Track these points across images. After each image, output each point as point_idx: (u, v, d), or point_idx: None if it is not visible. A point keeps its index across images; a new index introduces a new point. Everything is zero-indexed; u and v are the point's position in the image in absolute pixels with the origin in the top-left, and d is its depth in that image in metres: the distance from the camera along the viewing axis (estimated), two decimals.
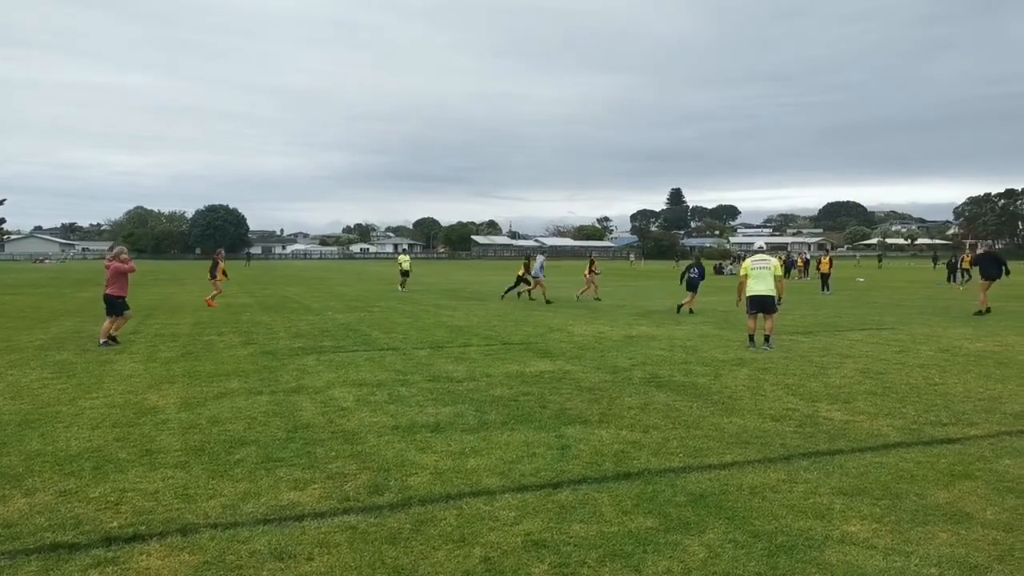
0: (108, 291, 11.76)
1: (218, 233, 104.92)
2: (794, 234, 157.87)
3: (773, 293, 11.44)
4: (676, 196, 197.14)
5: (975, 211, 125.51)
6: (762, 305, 11.47)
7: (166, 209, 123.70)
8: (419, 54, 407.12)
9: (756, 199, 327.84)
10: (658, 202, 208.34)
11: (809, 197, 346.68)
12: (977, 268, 18.52)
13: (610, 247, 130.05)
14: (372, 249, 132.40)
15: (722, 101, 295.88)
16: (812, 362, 10.14)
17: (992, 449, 5.74)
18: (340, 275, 43.93)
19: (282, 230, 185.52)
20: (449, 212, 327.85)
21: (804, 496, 4.62)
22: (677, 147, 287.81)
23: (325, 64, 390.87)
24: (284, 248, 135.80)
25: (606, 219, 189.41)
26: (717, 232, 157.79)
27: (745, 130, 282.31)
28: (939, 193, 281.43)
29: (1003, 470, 5.19)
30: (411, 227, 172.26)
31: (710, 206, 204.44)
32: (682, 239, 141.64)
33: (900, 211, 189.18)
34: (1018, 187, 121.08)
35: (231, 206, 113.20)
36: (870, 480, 4.95)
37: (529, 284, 22.39)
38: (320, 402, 7.41)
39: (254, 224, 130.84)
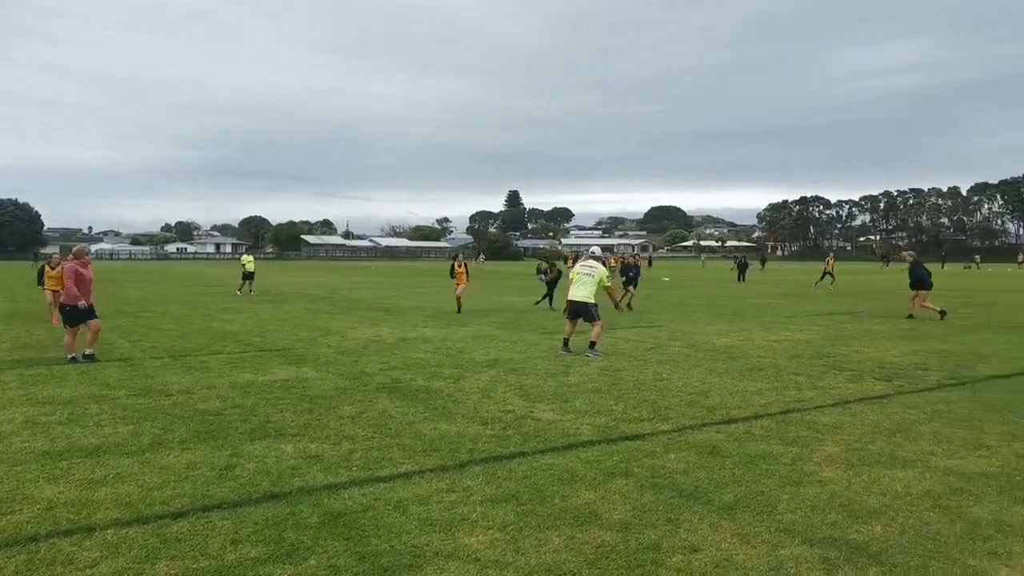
0: (65, 300, 10.15)
1: (4, 231, 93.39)
2: (621, 236, 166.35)
3: (590, 300, 10.96)
4: (514, 198, 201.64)
5: (775, 216, 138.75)
6: (576, 311, 11.06)
7: None
8: (255, 48, 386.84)
9: (589, 202, 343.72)
10: (497, 204, 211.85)
11: (637, 201, 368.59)
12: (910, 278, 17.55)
13: (446, 248, 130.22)
14: (191, 249, 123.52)
15: (558, 107, 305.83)
16: (562, 360, 10.33)
17: (666, 444, 5.94)
18: (140, 277, 40.33)
19: (90, 228, 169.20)
20: (285, 211, 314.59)
21: (448, 507, 4.45)
22: (516, 150, 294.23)
23: (152, 53, 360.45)
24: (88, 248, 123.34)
25: (446, 220, 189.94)
26: (551, 234, 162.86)
27: (579, 136, 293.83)
28: (747, 199, 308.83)
29: (661, 465, 5.34)
30: (237, 226, 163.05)
31: (546, 208, 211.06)
32: (517, 240, 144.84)
33: (715, 215, 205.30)
34: (810, 195, 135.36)
35: (21, 200, 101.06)
36: (528, 484, 4.89)
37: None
38: None
39: (56, 221, 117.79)
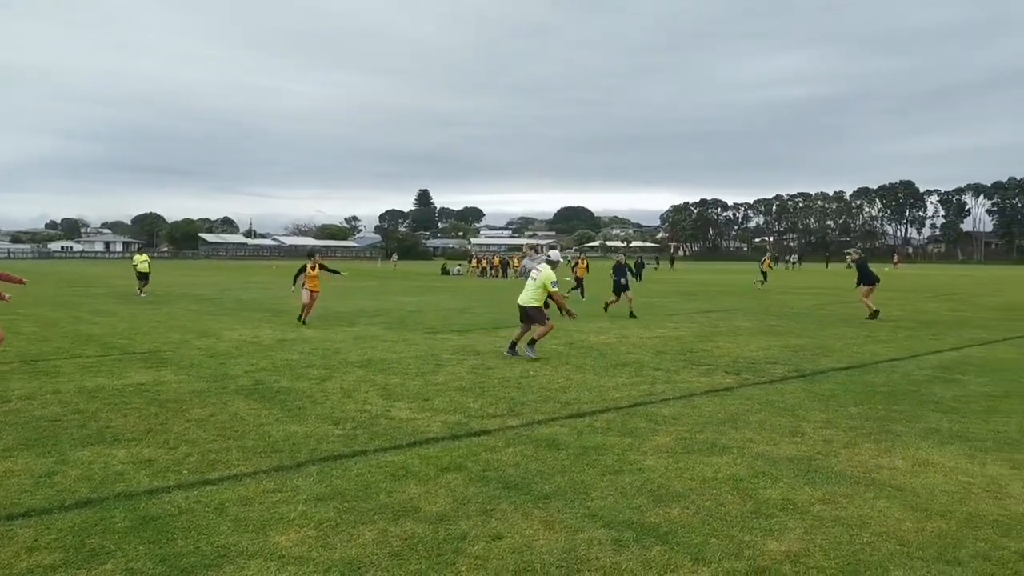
0: None
1: None
2: (530, 236, 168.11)
3: (533, 304, 10.87)
4: (424, 197, 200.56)
5: (677, 217, 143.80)
6: (524, 315, 11.03)
7: None
8: (150, 37, 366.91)
9: (500, 202, 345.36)
10: (408, 203, 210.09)
11: (547, 202, 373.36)
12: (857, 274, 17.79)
13: (354, 247, 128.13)
14: (78, 248, 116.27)
15: (468, 108, 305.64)
16: (436, 359, 10.45)
17: (510, 439, 6.14)
18: None
19: None
20: (184, 209, 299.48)
21: (270, 507, 4.47)
22: (427, 150, 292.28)
23: (39, 39, 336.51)
24: None
25: (355, 219, 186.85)
26: (460, 233, 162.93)
27: (490, 137, 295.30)
28: (652, 200, 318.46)
29: (496, 459, 5.53)
30: (130, 223, 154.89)
31: (457, 208, 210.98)
32: (427, 239, 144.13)
33: (621, 216, 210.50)
34: (709, 197, 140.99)
35: None
36: (359, 482, 4.96)
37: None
38: None
39: None
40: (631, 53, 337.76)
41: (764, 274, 31.79)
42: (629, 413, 7.18)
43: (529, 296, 10.92)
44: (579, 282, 24.14)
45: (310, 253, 16.32)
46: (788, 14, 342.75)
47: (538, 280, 10.88)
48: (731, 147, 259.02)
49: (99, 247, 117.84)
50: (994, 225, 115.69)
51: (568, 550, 3.88)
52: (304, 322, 14.97)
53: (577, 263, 25.91)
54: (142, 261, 24.51)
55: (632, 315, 16.93)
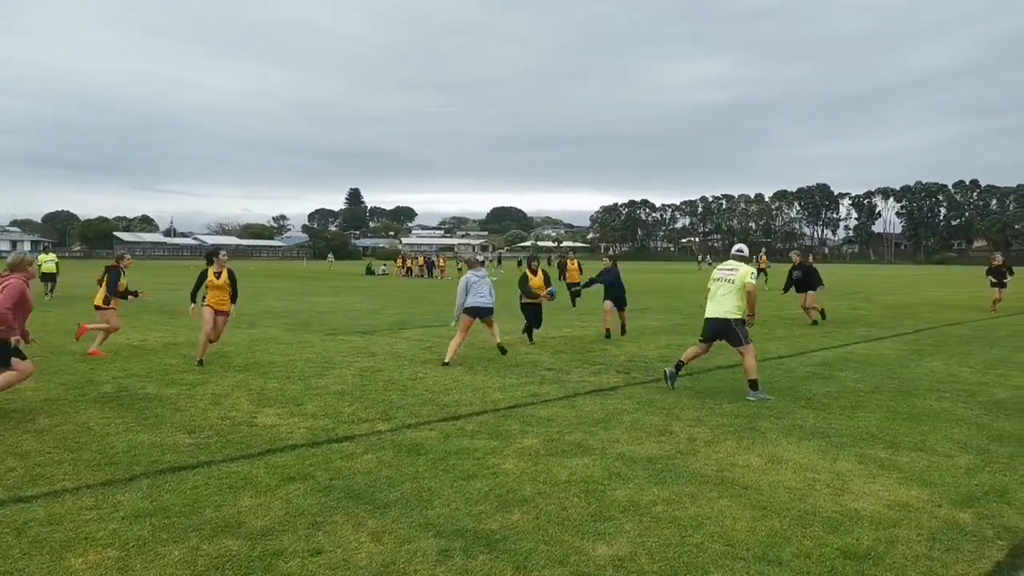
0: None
1: None
2: (463, 236, 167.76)
3: (734, 316, 8.06)
4: (355, 196, 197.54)
5: (606, 218, 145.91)
6: (717, 331, 8.19)
7: None
8: (56, 23, 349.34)
9: (432, 202, 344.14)
10: (337, 202, 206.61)
11: (479, 202, 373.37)
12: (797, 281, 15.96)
13: (280, 247, 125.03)
14: None
15: (399, 106, 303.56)
16: (327, 361, 10.12)
17: (372, 444, 5.92)
18: None
19: None
20: (99, 206, 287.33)
21: (78, 526, 4.13)
22: (357, 147, 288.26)
23: None
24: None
25: (283, 217, 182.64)
26: (392, 233, 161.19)
27: (421, 135, 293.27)
28: (583, 201, 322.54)
29: (349, 467, 5.30)
30: (41, 221, 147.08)
31: (389, 207, 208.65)
32: (357, 239, 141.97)
33: (553, 216, 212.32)
34: (638, 198, 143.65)
35: None
36: (191, 495, 4.66)
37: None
38: None
39: None
40: (560, 54, 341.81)
41: (763, 272, 28.41)
42: (506, 415, 7.05)
43: (729, 305, 8.11)
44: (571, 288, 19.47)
45: (211, 253, 10.62)
46: (708, 20, 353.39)
47: (736, 280, 8.13)
48: (658, 149, 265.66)
49: (4, 246, 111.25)
50: (903, 227, 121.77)
51: (389, 563, 3.70)
52: (202, 363, 9.75)
53: (568, 264, 21.07)
54: (47, 261, 22.92)
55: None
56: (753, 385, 7.89)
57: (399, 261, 50.94)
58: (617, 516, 4.36)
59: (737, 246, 8.85)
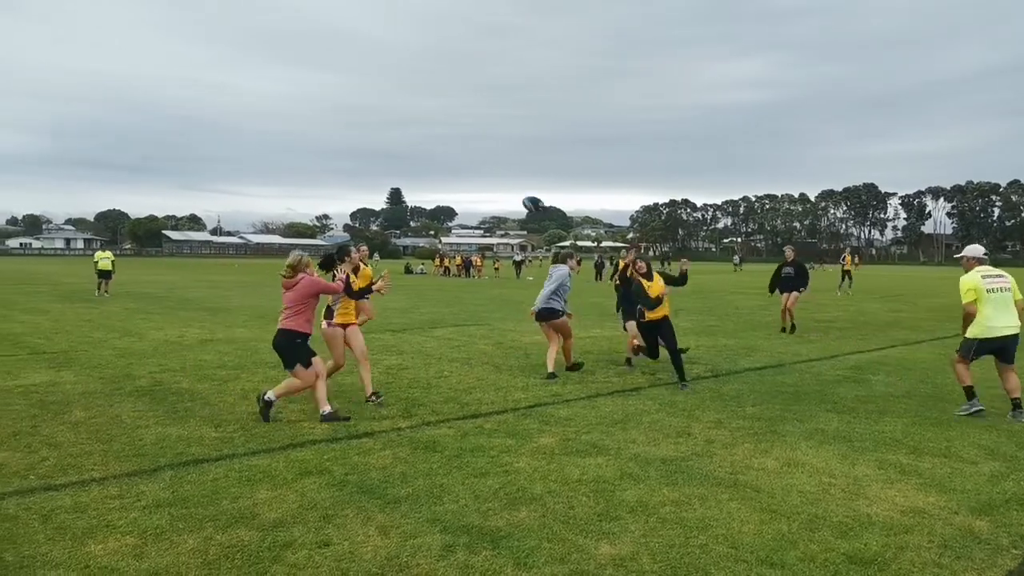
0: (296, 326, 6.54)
1: None
2: (502, 235, 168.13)
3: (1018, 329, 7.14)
4: (396, 196, 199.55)
5: (646, 217, 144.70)
6: (1004, 349, 7.11)
7: None
8: (108, 32, 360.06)
9: (472, 201, 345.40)
10: (379, 201, 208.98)
11: (518, 202, 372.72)
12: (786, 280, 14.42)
13: (323, 245, 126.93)
14: (37, 244, 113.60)
15: (437, 107, 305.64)
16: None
17: (390, 441, 6.02)
18: None
19: None
20: (148, 205, 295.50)
21: (101, 514, 4.30)
22: (397, 149, 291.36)
23: None
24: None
25: (326, 217, 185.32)
26: (431, 232, 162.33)
27: (460, 136, 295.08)
28: (623, 201, 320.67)
29: (365, 462, 5.41)
30: (93, 220, 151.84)
31: (429, 207, 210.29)
32: (397, 238, 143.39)
33: (593, 216, 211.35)
34: (679, 198, 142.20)
35: None
36: (210, 487, 4.81)
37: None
38: None
39: None
40: (596, 55, 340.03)
41: (847, 275, 27.06)
42: (525, 414, 7.09)
43: (1017, 318, 7.16)
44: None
45: (340, 250, 7.85)
46: (744, 20, 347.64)
47: (1012, 288, 7.21)
48: (699, 149, 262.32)
49: (59, 244, 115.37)
50: (954, 228, 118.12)
51: (392, 557, 3.77)
52: (377, 396, 7.46)
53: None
54: (103, 258, 23.32)
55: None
56: (1017, 404, 7.02)
57: (436, 260, 51.29)
58: (624, 516, 4.36)
59: (980, 248, 7.76)
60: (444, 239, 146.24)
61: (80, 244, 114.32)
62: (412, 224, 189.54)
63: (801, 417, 7.01)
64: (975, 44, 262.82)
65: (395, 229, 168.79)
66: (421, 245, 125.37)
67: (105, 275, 22.83)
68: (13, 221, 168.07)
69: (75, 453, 5.54)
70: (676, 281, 9.33)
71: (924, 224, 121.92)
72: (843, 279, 27.90)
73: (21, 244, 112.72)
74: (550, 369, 9.06)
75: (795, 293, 14.22)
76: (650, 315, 8.83)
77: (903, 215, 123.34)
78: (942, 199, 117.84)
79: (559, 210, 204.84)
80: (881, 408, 7.45)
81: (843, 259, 29.53)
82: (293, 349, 6.63)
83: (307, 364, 6.64)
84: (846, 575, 3.61)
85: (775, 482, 5.02)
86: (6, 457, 5.41)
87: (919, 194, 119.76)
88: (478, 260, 46.29)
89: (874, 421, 6.88)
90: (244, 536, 4.01)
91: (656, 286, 8.86)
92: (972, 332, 7.23)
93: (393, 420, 6.78)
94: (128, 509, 4.39)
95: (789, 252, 15.13)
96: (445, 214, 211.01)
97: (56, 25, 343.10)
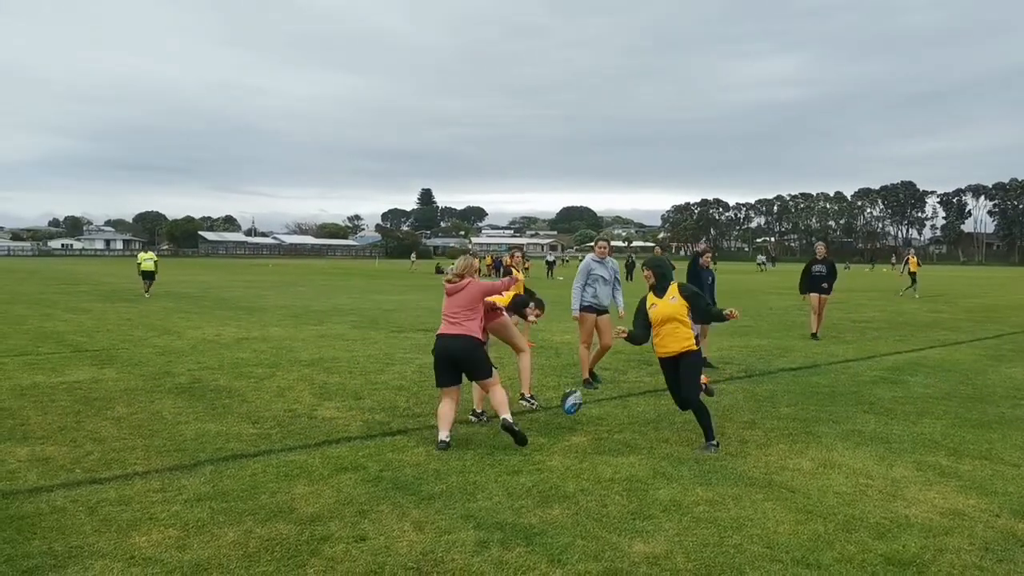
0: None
1: None
2: (532, 236, 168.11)
3: None
4: (427, 196, 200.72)
5: (678, 217, 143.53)
6: None
7: None
8: (147, 35, 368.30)
9: (502, 202, 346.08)
10: (410, 202, 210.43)
11: (548, 201, 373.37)
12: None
13: (354, 246, 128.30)
14: (78, 245, 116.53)
15: (463, 108, 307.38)
16: (388, 357, 10.38)
17: (424, 438, 6.08)
18: (4, 275, 37.76)
19: None
20: (185, 207, 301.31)
21: (145, 507, 4.42)
22: (428, 150, 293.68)
23: (33, 37, 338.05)
24: None
25: (358, 217, 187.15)
26: (462, 232, 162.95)
27: (489, 137, 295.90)
28: (654, 200, 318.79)
29: (399, 459, 5.47)
30: (132, 221, 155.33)
31: (459, 207, 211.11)
32: (428, 239, 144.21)
33: (624, 216, 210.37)
34: (710, 197, 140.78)
35: None
36: (249, 481, 4.91)
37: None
38: None
39: None
40: (626, 55, 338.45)
41: (912, 276, 26.09)
42: (557, 413, 7.10)
43: None
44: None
45: (505, 256, 7.84)
46: (776, 18, 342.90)
47: None
48: (731, 148, 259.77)
49: (99, 245, 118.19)
50: (995, 226, 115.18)
51: (427, 551, 3.82)
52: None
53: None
54: (147, 259, 23.49)
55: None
56: None
57: (509, 260, 51.26)
58: (657, 515, 4.36)
59: None
60: (474, 239, 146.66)
61: (119, 245, 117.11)
62: (443, 224, 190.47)
63: (837, 418, 6.92)
64: (1017, 40, 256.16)
65: (426, 229, 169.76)
66: (451, 245, 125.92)
67: (148, 276, 23.12)
68: (55, 223, 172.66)
69: (118, 448, 5.70)
70: (706, 315, 6.26)
71: (964, 223, 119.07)
72: (911, 282, 26.22)
73: (63, 245, 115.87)
74: (586, 375, 8.61)
75: (825, 296, 13.20)
76: (666, 348, 6.08)
77: (942, 214, 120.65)
78: (983, 197, 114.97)
79: (589, 210, 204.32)
80: (920, 409, 7.32)
81: (906, 261, 27.76)
82: (482, 356, 6.16)
83: (491, 371, 6.20)
84: None
85: (811, 483, 4.97)
86: (53, 451, 5.58)
87: (959, 192, 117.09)
88: (508, 259, 46.27)
89: (912, 422, 6.76)
90: (283, 530, 4.09)
91: (664, 307, 6.05)
92: None
93: (426, 418, 6.84)
94: (170, 502, 4.50)
95: (821, 248, 13.83)
96: (475, 214, 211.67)
97: (97, 29, 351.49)
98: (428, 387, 8.29)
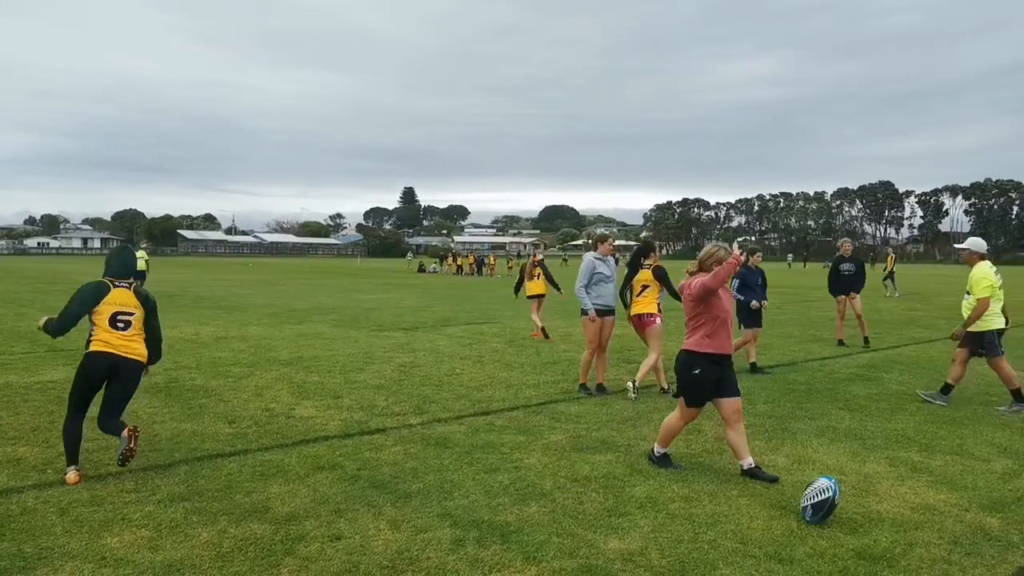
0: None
1: None
2: (515, 234, 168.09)
3: None
4: (409, 195, 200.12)
5: (660, 216, 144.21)
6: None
7: None
8: (126, 34, 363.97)
9: (485, 200, 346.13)
10: (392, 200, 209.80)
11: (531, 200, 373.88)
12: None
13: (336, 245, 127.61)
14: (55, 244, 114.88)
15: (450, 107, 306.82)
16: (368, 356, 10.34)
17: (402, 437, 6.07)
18: None
19: None
20: (164, 205, 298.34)
21: (118, 508, 4.37)
22: (410, 148, 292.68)
23: (6, 33, 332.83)
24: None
25: (339, 216, 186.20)
26: (444, 232, 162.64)
27: (471, 136, 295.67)
28: (636, 199, 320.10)
29: (377, 458, 5.46)
30: (109, 219, 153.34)
31: (442, 206, 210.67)
32: (410, 237, 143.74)
33: (606, 215, 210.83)
34: (692, 197, 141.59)
35: None
36: (224, 481, 4.88)
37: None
38: None
39: None
40: (607, 55, 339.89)
41: (891, 275, 25.25)
42: (536, 411, 7.12)
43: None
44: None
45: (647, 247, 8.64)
46: (757, 19, 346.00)
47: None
48: (713, 147, 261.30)
49: (76, 243, 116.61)
50: (971, 225, 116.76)
51: (402, 550, 3.82)
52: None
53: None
54: (138, 258, 23.17)
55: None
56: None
57: (449, 259, 51.38)
58: (633, 512, 4.39)
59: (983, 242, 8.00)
60: (457, 238, 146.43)
61: (97, 243, 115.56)
62: (425, 223, 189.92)
63: (812, 415, 6.99)
64: (992, 41, 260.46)
65: (408, 228, 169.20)
66: (434, 244, 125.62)
67: (139, 275, 22.59)
68: (31, 221, 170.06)
69: (92, 448, 5.62)
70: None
71: (941, 222, 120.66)
72: (888, 278, 25.48)
73: (39, 244, 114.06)
74: (584, 380, 8.17)
75: (858, 297, 12.26)
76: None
77: (919, 213, 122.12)
78: (960, 197, 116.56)
79: (572, 209, 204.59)
80: (893, 406, 7.42)
81: (888, 258, 26.90)
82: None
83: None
84: (855, 571, 3.62)
85: (785, 479, 5.02)
86: (25, 452, 5.51)
87: (936, 192, 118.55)
88: (491, 259, 46.36)
89: (886, 419, 6.85)
90: (257, 529, 4.07)
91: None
92: (988, 325, 7.56)
93: (405, 417, 6.83)
94: (143, 503, 4.46)
95: (847, 246, 12.60)
96: (458, 213, 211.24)
97: (76, 27, 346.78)
98: (407, 386, 8.28)
